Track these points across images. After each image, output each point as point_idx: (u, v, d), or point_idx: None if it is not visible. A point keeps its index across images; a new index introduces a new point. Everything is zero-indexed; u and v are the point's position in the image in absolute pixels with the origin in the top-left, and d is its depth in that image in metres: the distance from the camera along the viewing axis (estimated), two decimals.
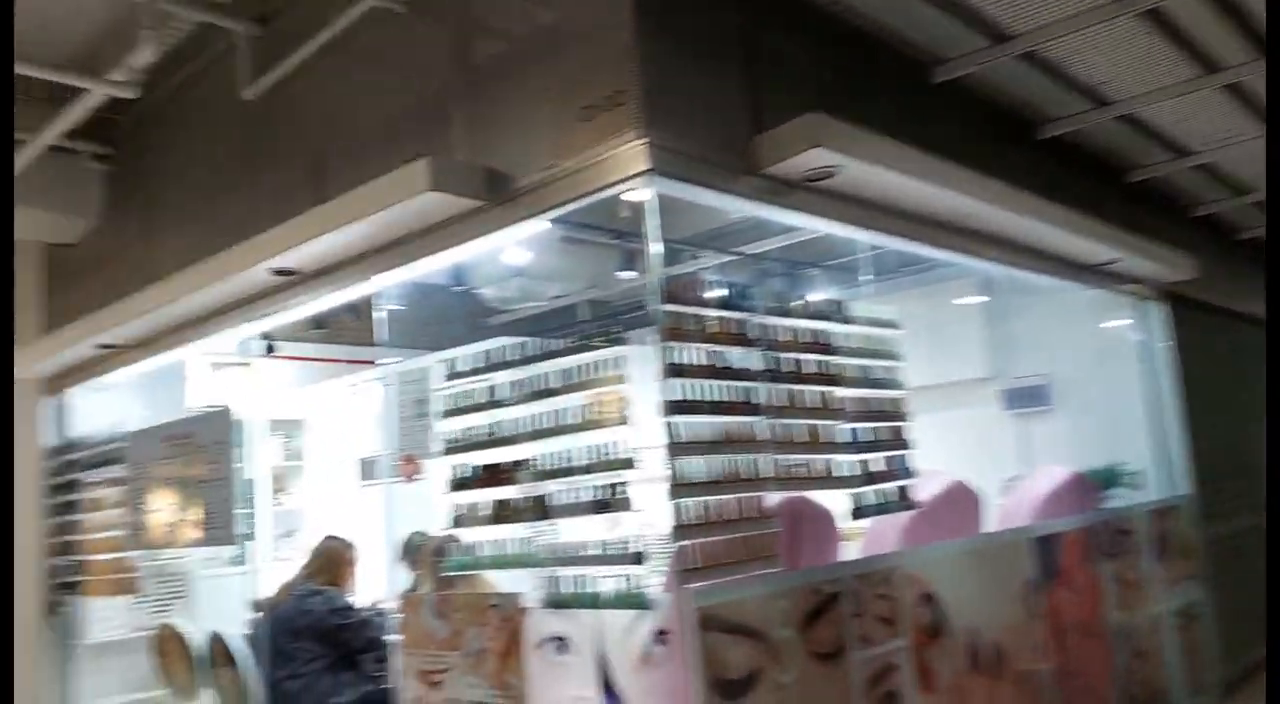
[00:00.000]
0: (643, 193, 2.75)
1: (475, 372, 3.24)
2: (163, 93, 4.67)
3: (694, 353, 2.82)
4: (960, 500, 3.75)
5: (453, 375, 3.31)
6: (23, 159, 4.29)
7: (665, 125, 2.77)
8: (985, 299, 5.56)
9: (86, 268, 5.45)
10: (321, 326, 5.09)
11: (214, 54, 4.35)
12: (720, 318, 2.94)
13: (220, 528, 4.20)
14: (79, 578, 5.19)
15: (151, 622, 4.90)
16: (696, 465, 2.74)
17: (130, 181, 5.15)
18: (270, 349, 4.66)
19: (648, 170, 2.69)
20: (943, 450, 3.74)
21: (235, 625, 4.27)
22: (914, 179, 3.37)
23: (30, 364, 5.38)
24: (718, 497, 2.76)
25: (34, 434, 5.64)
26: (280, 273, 3.82)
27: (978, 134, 4.43)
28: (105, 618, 5.30)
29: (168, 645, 4.60)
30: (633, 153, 2.72)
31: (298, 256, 3.63)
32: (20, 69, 3.72)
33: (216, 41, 4.28)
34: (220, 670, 4.23)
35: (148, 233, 4.96)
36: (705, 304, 2.91)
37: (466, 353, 3.30)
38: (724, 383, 2.88)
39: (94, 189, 5.23)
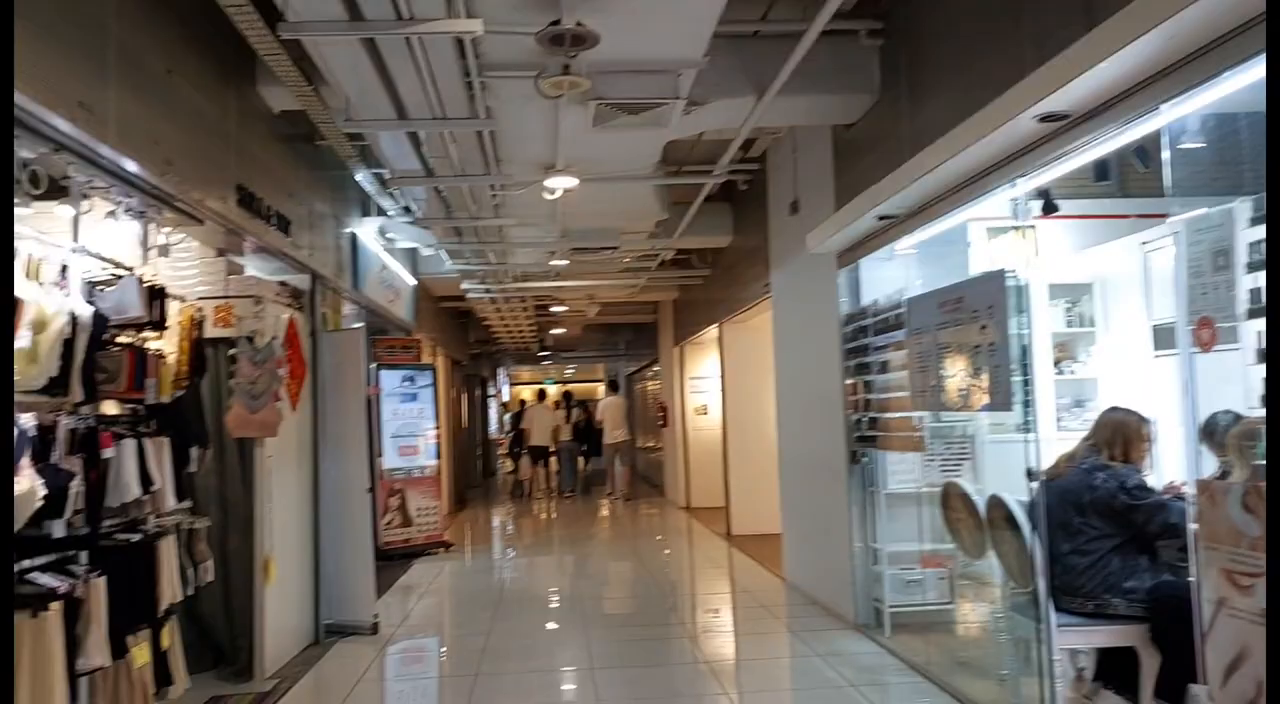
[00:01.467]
0: None
1: None
2: None
3: None
4: None
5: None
6: (803, 47, 4.63)
7: None
8: None
9: (865, 144, 5.77)
10: (1104, 178, 4.56)
11: None
12: None
13: (996, 394, 4.12)
14: (875, 433, 5.69)
15: (938, 479, 5.13)
16: None
17: (899, 52, 5.22)
18: (1048, 208, 4.31)
19: None
20: None
21: (1016, 492, 4.18)
22: None
23: (824, 239, 5.96)
24: None
25: (832, 303, 6.29)
26: (1048, 118, 3.47)
27: None
28: (898, 471, 5.75)
29: (954, 504, 4.76)
30: None
31: (1067, 97, 3.22)
32: None
33: None
34: (1000, 534, 4.22)
35: (916, 99, 5.00)
36: None
37: None
38: None
39: (870, 66, 5.44)
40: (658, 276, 11.12)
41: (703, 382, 13.60)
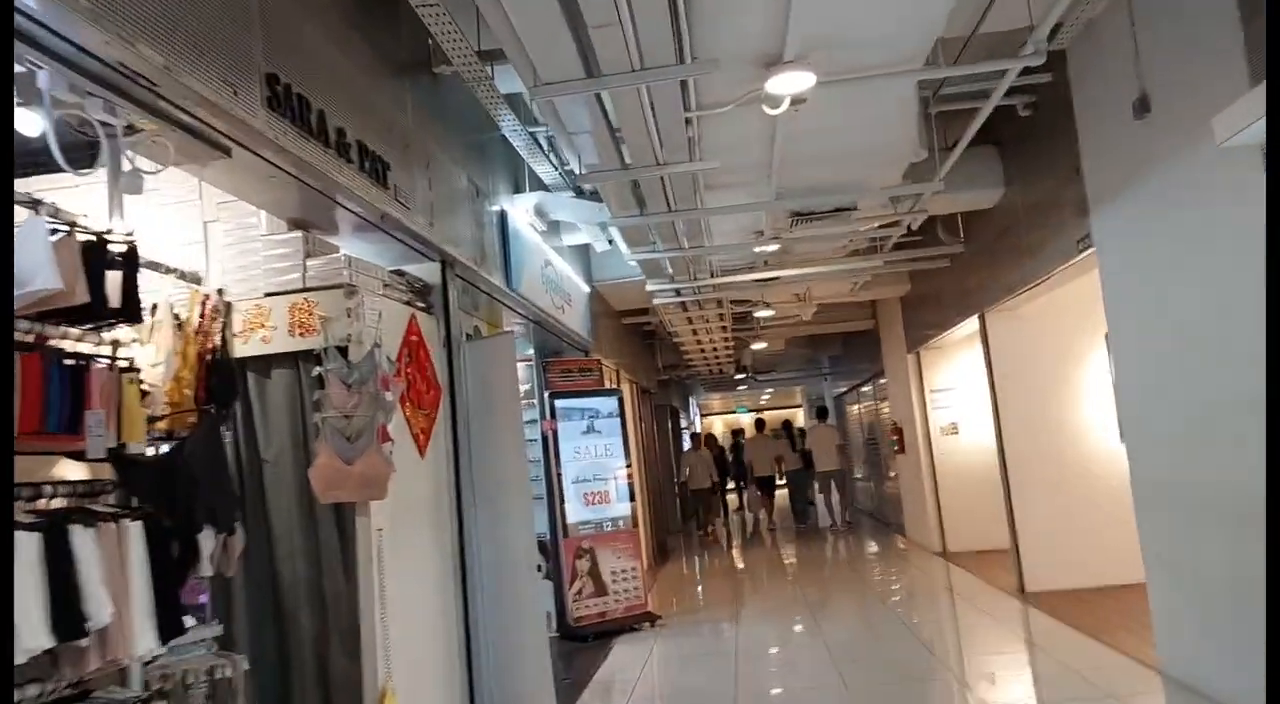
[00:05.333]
0: None
1: None
2: None
3: None
4: None
5: None
6: None
7: None
8: None
9: None
10: None
11: None
12: None
13: None
14: None
15: None
16: None
17: None
18: None
19: None
20: None
21: None
22: None
23: (1236, 128, 3.50)
24: None
25: (1251, 228, 3.77)
26: None
27: None
28: None
29: None
30: None
31: None
32: None
33: None
34: None
35: None
36: None
37: None
38: None
39: None
40: (892, 259, 8.71)
41: (947, 394, 11.00)
